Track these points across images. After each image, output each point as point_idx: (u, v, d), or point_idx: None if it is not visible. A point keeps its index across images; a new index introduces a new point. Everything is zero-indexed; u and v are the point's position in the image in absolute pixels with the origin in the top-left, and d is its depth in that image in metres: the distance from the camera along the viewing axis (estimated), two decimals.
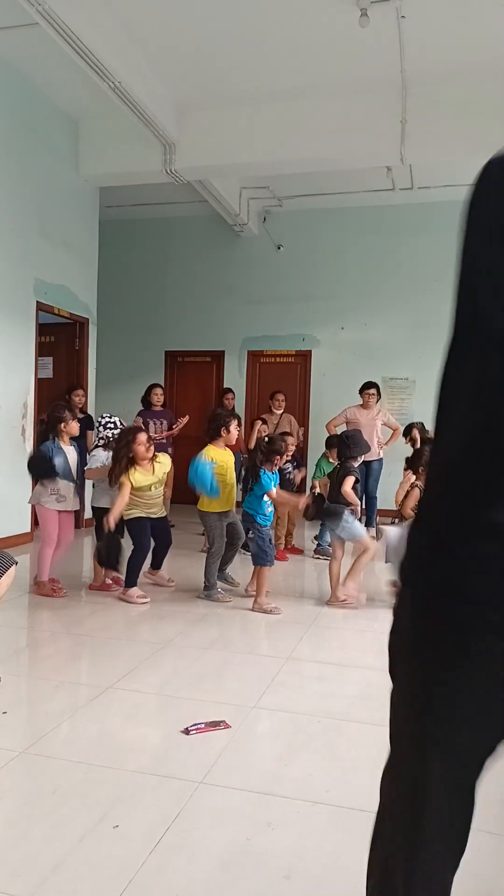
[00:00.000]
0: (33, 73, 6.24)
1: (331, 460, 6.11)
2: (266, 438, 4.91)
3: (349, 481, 4.65)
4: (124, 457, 4.59)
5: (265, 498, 4.62)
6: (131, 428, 4.84)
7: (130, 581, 4.64)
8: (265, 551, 4.57)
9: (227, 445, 4.95)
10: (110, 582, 4.80)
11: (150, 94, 6.04)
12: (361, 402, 7.38)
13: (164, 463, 4.83)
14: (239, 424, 5.23)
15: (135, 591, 4.64)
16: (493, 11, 5.09)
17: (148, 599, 4.60)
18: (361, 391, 7.40)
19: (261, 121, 6.62)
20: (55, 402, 5.53)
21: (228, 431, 4.89)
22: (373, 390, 7.39)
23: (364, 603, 4.67)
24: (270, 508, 4.73)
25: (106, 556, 4.67)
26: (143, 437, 4.66)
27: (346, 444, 4.84)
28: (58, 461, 4.68)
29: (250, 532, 4.65)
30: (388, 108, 6.27)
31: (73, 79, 5.93)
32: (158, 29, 5.45)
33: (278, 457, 4.62)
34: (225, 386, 9.00)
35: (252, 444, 6.63)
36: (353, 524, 4.68)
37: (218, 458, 4.80)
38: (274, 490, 4.57)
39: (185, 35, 5.53)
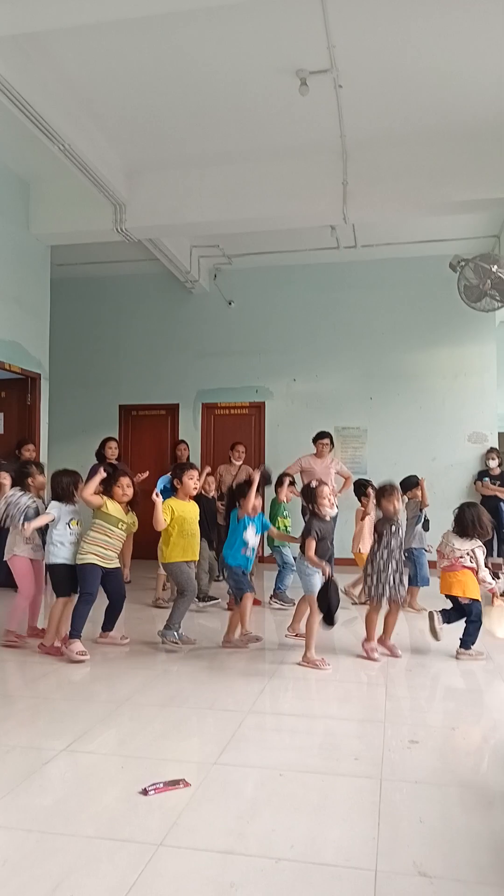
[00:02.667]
0: None
1: (281, 500, 6.15)
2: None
3: (310, 545, 4.50)
4: (105, 483, 4.69)
5: (245, 537, 4.76)
6: (119, 469, 4.99)
7: (74, 632, 4.47)
8: (241, 583, 4.77)
9: (189, 496, 4.96)
10: (59, 645, 4.62)
11: (99, 156, 6.21)
12: (315, 451, 7.47)
13: (134, 519, 4.83)
14: (202, 474, 5.30)
15: (76, 645, 4.44)
16: (423, 83, 5.45)
17: (87, 657, 4.41)
18: (315, 440, 7.49)
19: (208, 183, 6.85)
20: (2, 461, 5.54)
21: (182, 482, 4.91)
22: (326, 440, 7.49)
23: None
24: (248, 553, 4.81)
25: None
26: (125, 480, 4.73)
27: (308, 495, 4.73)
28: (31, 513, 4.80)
29: (226, 575, 4.86)
30: (330, 170, 6.58)
31: (23, 140, 6.05)
32: (106, 94, 5.64)
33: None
34: (180, 438, 9.01)
35: (212, 492, 6.65)
36: (312, 576, 4.58)
37: (178, 509, 4.83)
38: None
39: (132, 100, 5.74)
